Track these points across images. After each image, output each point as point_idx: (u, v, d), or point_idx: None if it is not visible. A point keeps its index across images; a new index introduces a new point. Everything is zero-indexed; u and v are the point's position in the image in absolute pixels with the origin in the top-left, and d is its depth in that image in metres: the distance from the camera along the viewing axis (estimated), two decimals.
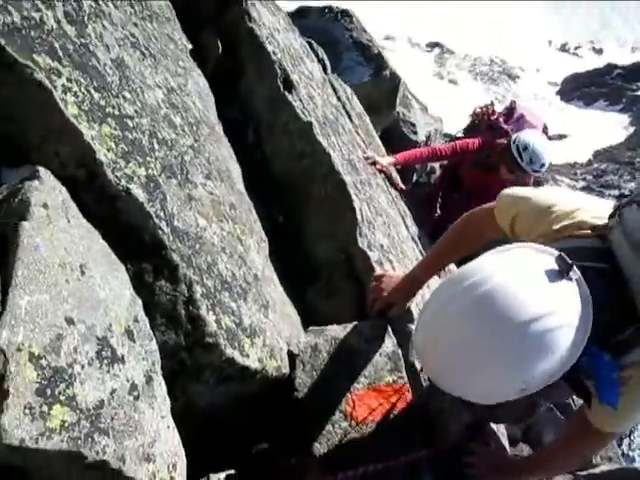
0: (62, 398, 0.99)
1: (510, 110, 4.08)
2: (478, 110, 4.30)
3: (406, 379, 1.84)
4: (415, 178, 5.20)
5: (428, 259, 1.91)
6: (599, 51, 53.36)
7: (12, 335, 0.95)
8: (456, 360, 1.12)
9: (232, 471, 1.55)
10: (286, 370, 1.69)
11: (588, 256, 1.21)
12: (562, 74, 44.10)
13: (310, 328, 1.85)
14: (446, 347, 1.13)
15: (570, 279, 1.11)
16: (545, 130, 3.96)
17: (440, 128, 6.46)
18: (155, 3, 2.32)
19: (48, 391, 0.97)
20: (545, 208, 1.42)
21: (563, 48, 54.60)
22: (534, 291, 1.08)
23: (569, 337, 1.08)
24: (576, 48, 54.47)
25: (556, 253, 1.14)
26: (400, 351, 1.84)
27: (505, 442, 2.06)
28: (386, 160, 3.42)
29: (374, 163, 3.18)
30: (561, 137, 26.11)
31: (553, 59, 49.89)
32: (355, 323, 1.83)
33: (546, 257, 1.14)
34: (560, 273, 1.11)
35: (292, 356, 1.74)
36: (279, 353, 1.66)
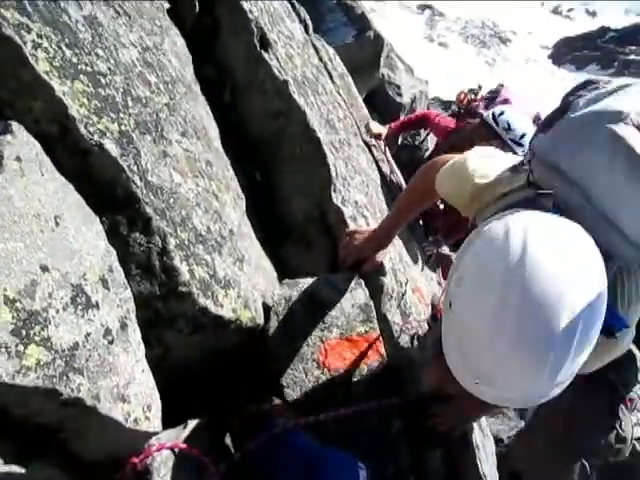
0: (37, 339, 1.05)
1: (494, 94, 3.80)
2: (462, 96, 4.02)
3: (378, 330, 1.91)
4: (400, 140, 5.23)
5: (393, 215, 1.98)
6: (592, 14, 52.72)
7: None
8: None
9: (206, 418, 1.62)
10: (260, 321, 1.75)
11: (539, 203, 1.16)
12: (554, 37, 43.71)
13: (284, 281, 1.91)
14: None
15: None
16: (536, 121, 3.37)
17: (425, 90, 6.46)
18: None
19: (23, 332, 1.03)
20: (493, 179, 1.41)
21: (556, 11, 53.88)
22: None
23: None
24: (569, 10, 53.75)
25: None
26: (372, 303, 1.91)
27: None
28: (380, 129, 3.44)
29: (378, 136, 3.17)
30: None
31: (545, 22, 49.31)
32: (327, 275, 1.89)
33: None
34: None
35: (267, 308, 1.80)
36: (253, 304, 1.73)
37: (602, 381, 1.70)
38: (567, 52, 40.50)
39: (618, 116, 1.14)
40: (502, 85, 3.98)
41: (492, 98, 3.78)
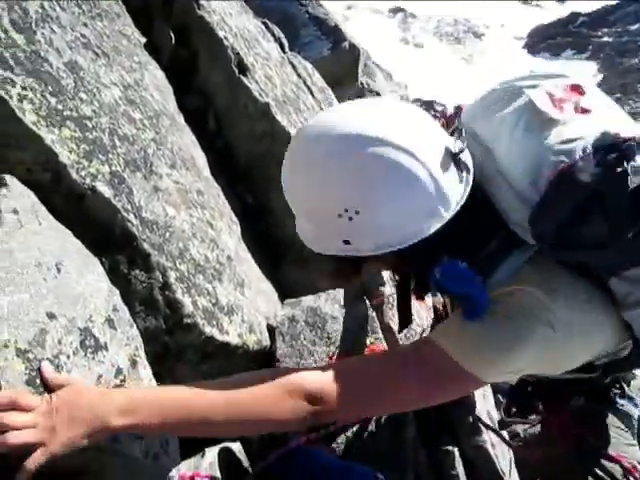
0: None
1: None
2: None
3: (383, 340, 1.94)
4: None
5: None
6: (561, 0, 53.30)
7: None
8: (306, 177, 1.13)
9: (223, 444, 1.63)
10: (266, 343, 1.78)
11: None
12: (527, 27, 44.09)
13: (286, 301, 1.94)
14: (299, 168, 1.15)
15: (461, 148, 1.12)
16: None
17: (405, 94, 6.52)
18: (104, 2, 2.35)
19: (37, 381, 1.05)
20: None
21: (525, 1, 54.42)
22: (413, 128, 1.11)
23: (421, 185, 1.06)
24: None
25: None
26: (374, 314, 1.94)
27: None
28: None
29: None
30: None
31: (516, 13, 49.77)
32: (328, 291, 1.92)
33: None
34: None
35: (271, 329, 1.83)
36: (258, 327, 1.75)
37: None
38: (541, 40, 40.84)
39: (535, 84, 1.23)
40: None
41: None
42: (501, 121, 1.23)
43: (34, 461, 0.96)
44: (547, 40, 40.46)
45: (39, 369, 1.05)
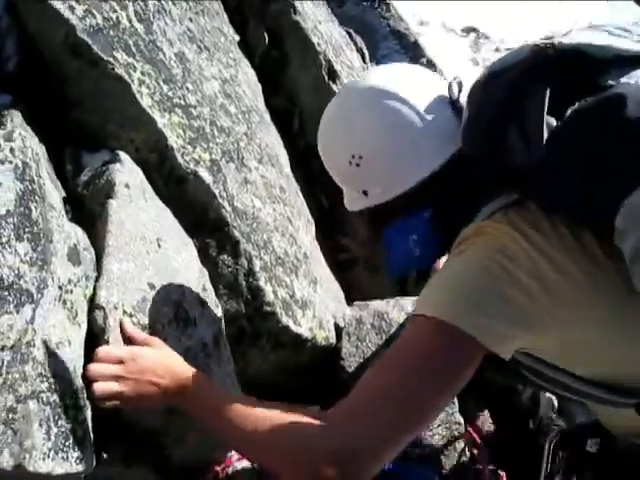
0: None
1: None
2: None
3: None
4: None
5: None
6: None
7: (109, 295, 1.12)
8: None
9: None
10: (333, 340, 1.83)
11: None
12: None
13: (355, 303, 1.99)
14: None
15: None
16: None
17: None
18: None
19: None
20: None
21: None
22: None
23: (413, 128, 1.11)
24: None
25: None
26: None
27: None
28: None
29: None
30: None
31: (622, 43, 48.45)
32: (397, 298, 1.96)
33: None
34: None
35: (338, 328, 1.88)
36: (327, 324, 1.81)
37: None
38: None
39: None
40: None
41: None
42: None
43: (103, 390, 1.01)
44: None
45: (120, 324, 1.11)
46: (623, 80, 0.93)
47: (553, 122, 0.94)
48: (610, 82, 0.93)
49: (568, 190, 0.93)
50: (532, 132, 0.93)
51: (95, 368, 1.02)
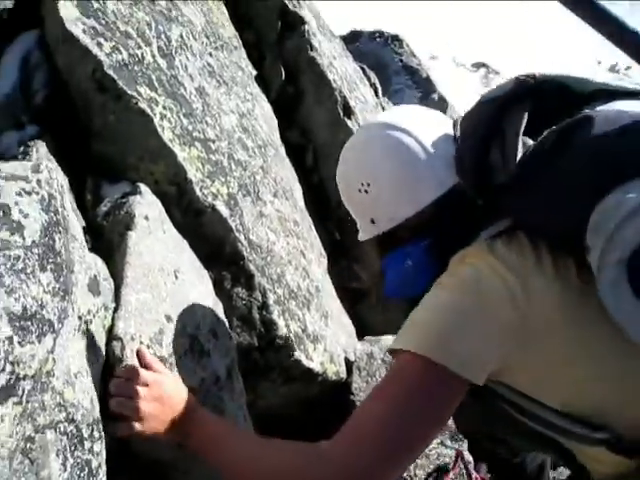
0: None
1: None
2: None
3: None
4: None
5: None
6: None
7: (126, 327, 1.13)
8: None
9: None
10: (344, 375, 1.83)
11: None
12: None
13: (366, 337, 1.99)
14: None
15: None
16: None
17: None
18: (225, 33, 2.53)
19: None
20: None
21: (613, 69, 53.72)
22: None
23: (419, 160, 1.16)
24: (627, 69, 53.43)
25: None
26: None
27: None
28: None
29: None
30: None
31: (603, 80, 48.97)
32: None
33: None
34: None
35: (348, 363, 1.88)
36: (338, 359, 1.81)
37: None
38: None
39: None
40: None
41: None
42: None
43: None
44: None
45: (137, 352, 1.13)
46: (599, 108, 1.01)
47: (529, 142, 1.04)
48: (587, 109, 1.01)
49: (532, 207, 1.01)
50: (508, 149, 1.02)
51: (119, 383, 1.07)
